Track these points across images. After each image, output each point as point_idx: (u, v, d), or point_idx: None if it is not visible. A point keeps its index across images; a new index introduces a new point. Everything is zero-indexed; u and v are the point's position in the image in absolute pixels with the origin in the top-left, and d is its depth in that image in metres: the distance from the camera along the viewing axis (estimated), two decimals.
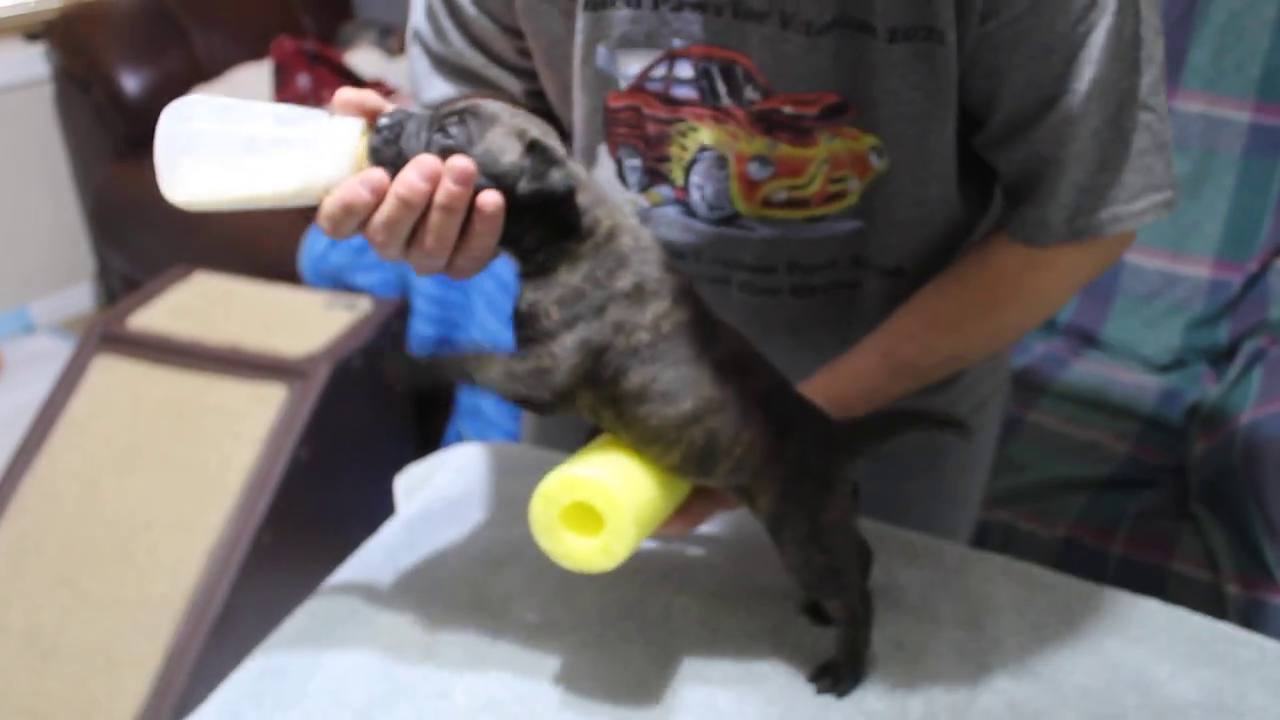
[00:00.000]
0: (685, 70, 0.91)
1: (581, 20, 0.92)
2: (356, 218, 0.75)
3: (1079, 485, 1.88)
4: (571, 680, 0.86)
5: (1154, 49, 0.86)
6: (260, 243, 2.73)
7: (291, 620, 0.93)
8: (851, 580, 0.84)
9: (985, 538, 1.81)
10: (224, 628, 1.74)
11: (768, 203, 0.96)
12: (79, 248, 3.52)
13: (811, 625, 0.90)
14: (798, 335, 1.03)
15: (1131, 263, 2.26)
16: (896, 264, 0.99)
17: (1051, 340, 2.28)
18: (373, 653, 0.89)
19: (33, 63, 3.27)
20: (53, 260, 3.48)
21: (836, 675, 0.85)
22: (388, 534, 1.03)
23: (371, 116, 0.77)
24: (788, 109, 0.90)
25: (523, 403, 0.80)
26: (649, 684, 0.86)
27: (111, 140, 3.15)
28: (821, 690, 0.85)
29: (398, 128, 0.76)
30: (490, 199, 0.75)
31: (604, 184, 1.00)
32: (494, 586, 0.95)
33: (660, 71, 0.92)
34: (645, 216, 1.00)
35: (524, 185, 0.76)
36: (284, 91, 3.12)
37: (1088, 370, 2.21)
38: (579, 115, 0.99)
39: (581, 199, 0.78)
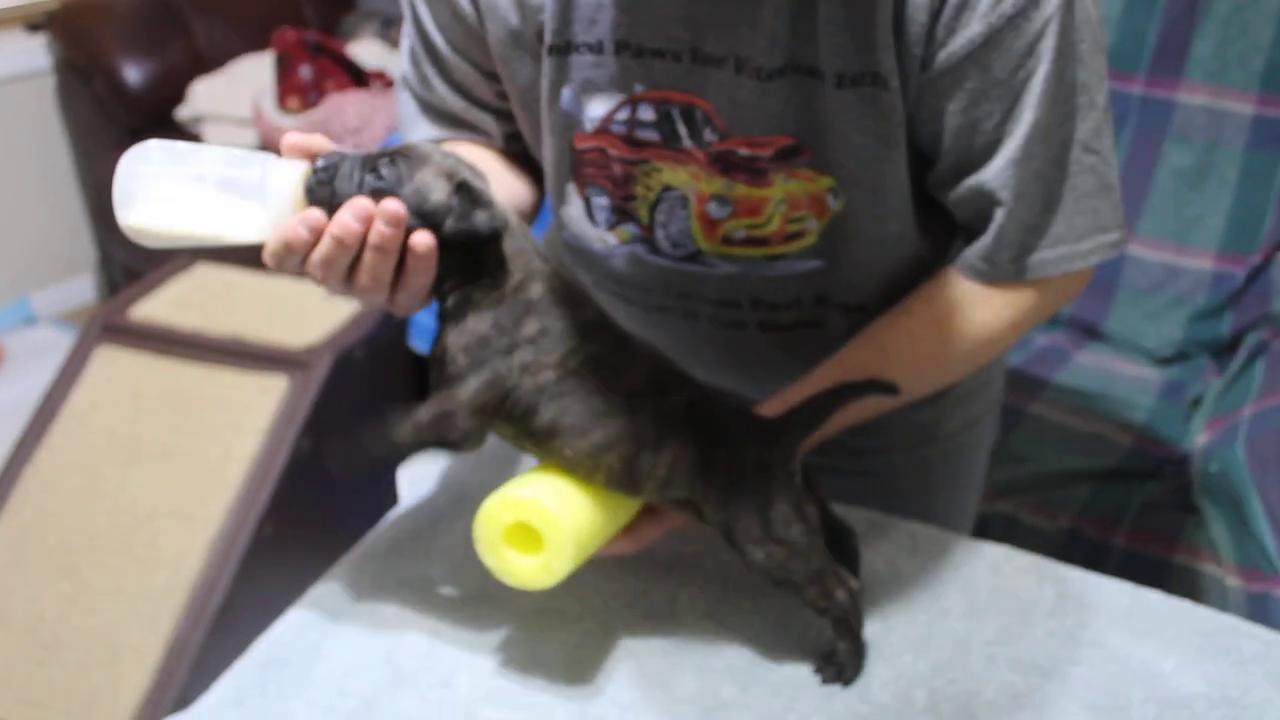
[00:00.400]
0: (647, 113, 0.94)
1: (546, 65, 0.95)
2: (297, 255, 0.78)
3: (1082, 477, 1.88)
4: (575, 670, 0.86)
5: (1096, 94, 0.88)
6: None
7: (295, 609, 0.93)
8: (819, 565, 0.84)
9: (987, 529, 1.80)
10: (226, 618, 1.73)
11: (728, 240, 0.98)
12: (80, 239, 3.51)
13: (816, 617, 0.90)
14: (769, 367, 1.05)
15: (1134, 255, 2.25)
16: (859, 301, 1.01)
17: (1054, 333, 2.27)
18: (376, 642, 0.89)
19: (34, 53, 3.26)
20: (54, 251, 3.48)
21: (839, 662, 0.85)
22: (391, 524, 1.03)
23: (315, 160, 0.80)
24: (743, 151, 0.92)
25: (440, 445, 0.83)
26: (653, 674, 0.86)
27: (113, 131, 3.14)
28: (826, 680, 0.85)
29: (332, 170, 0.79)
30: (422, 239, 0.78)
31: (574, 221, 1.04)
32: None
33: (624, 115, 0.94)
34: (612, 254, 1.03)
35: (450, 224, 0.79)
36: (286, 82, 3.11)
37: (1090, 363, 2.20)
38: (548, 156, 1.01)
39: (506, 245, 0.81)
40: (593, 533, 0.83)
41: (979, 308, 0.95)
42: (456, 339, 0.81)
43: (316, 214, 0.78)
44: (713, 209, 0.96)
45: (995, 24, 0.82)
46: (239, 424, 1.93)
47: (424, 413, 0.82)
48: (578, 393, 0.81)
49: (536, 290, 0.82)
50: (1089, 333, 2.29)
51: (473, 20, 0.97)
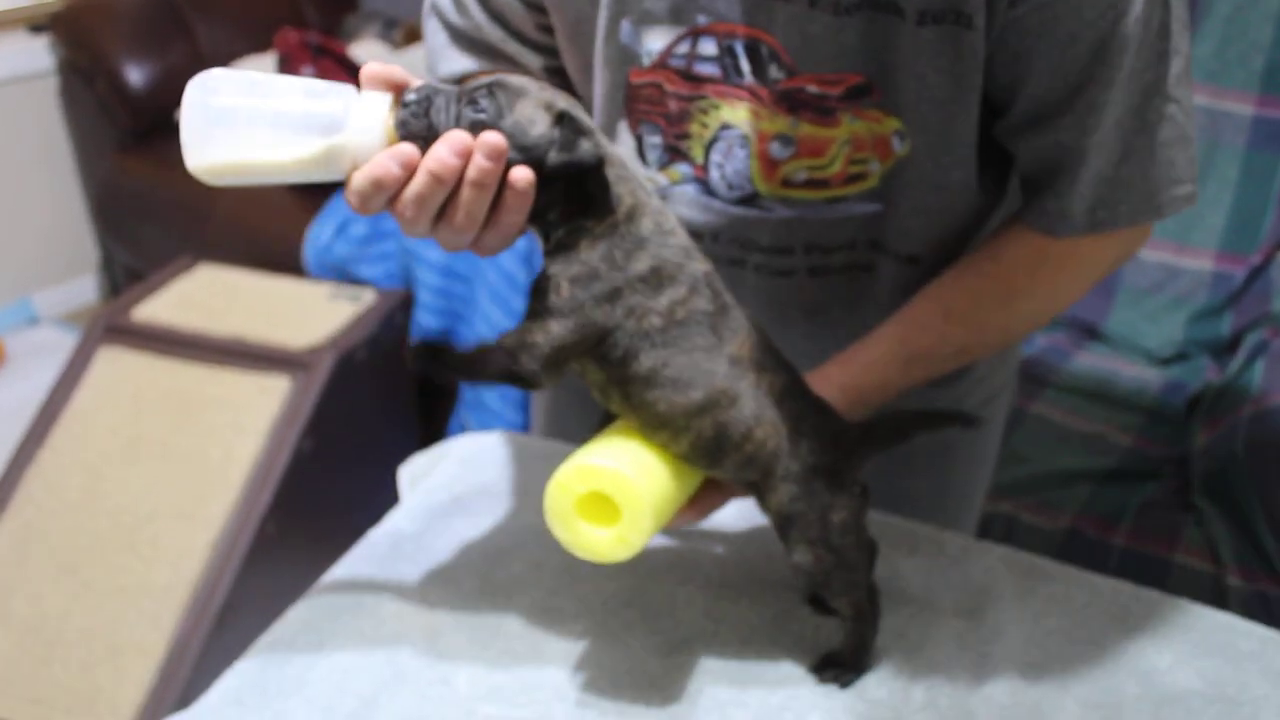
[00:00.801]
0: (709, 47, 0.91)
1: None
2: (386, 193, 0.74)
3: (1082, 477, 1.88)
4: (574, 669, 0.86)
5: (1180, 41, 0.85)
6: (264, 235, 2.73)
7: (296, 609, 0.93)
8: (860, 579, 0.84)
9: (988, 529, 1.81)
10: (227, 618, 1.74)
11: (787, 182, 0.95)
12: (83, 240, 3.52)
13: (814, 615, 0.91)
14: (813, 317, 1.02)
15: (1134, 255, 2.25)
16: (912, 250, 0.98)
17: (1054, 333, 2.27)
18: (376, 641, 0.89)
19: (37, 55, 3.26)
20: (57, 252, 3.48)
21: (840, 669, 0.85)
22: (391, 524, 1.03)
23: (399, 91, 0.76)
24: (812, 88, 0.90)
25: (511, 378, 0.78)
26: (651, 673, 0.86)
27: (115, 132, 3.15)
28: (824, 681, 0.85)
29: (426, 102, 0.75)
30: (522, 174, 0.74)
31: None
32: (497, 575, 0.95)
33: (684, 48, 0.92)
34: (664, 194, 0.99)
35: (553, 156, 0.75)
36: None
37: (1091, 363, 2.21)
38: (600, 91, 0.98)
39: (609, 173, 0.78)
40: (667, 503, 0.80)
41: (1047, 264, 0.92)
42: (564, 268, 0.77)
43: (409, 149, 0.74)
44: (775, 149, 0.93)
45: None
46: (241, 424, 1.93)
47: (509, 338, 0.78)
48: (682, 345, 0.78)
49: (648, 224, 0.78)
50: (1089, 333, 2.29)
51: None
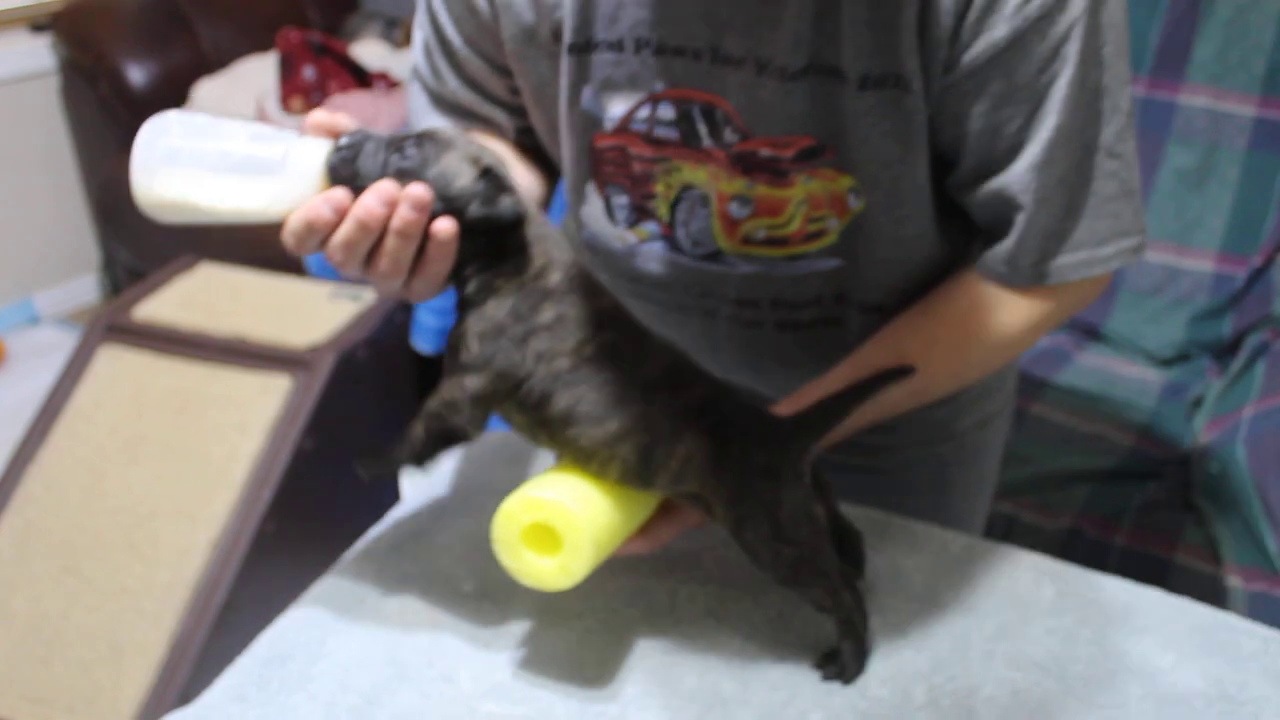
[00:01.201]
0: (668, 112, 0.93)
1: (566, 64, 0.95)
2: (318, 235, 0.78)
3: (1083, 477, 1.88)
4: (576, 666, 0.86)
5: (1119, 98, 0.87)
6: (265, 234, 2.72)
7: (297, 606, 0.93)
8: (826, 567, 0.83)
9: (989, 529, 1.80)
10: (228, 616, 1.74)
11: (748, 240, 0.98)
12: (84, 239, 3.52)
13: (816, 613, 0.91)
14: (787, 367, 1.05)
15: None
16: (878, 301, 1.01)
17: (1055, 334, 2.28)
18: (378, 638, 0.89)
19: (38, 54, 3.27)
20: (58, 252, 3.49)
21: (841, 662, 0.85)
22: (393, 521, 1.04)
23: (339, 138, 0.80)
24: (765, 151, 0.92)
25: (447, 437, 0.83)
26: (653, 671, 0.86)
27: (117, 132, 3.15)
28: (826, 677, 0.85)
29: (356, 148, 0.78)
30: (444, 226, 0.77)
31: (593, 220, 1.03)
32: (499, 573, 0.95)
33: (644, 113, 0.94)
34: (633, 252, 1.03)
35: (475, 209, 0.78)
36: (289, 83, 3.12)
37: (1091, 364, 2.21)
38: (567, 154, 1.01)
39: (528, 231, 0.81)
40: (610, 534, 0.83)
41: (998, 311, 0.94)
42: (474, 325, 0.81)
43: (341, 194, 0.77)
44: (734, 209, 0.96)
45: (1020, 27, 0.82)
46: (242, 423, 1.93)
47: (432, 403, 0.82)
48: (593, 381, 0.81)
49: (555, 278, 0.81)
50: (1090, 334, 2.29)
51: (487, 16, 0.97)
